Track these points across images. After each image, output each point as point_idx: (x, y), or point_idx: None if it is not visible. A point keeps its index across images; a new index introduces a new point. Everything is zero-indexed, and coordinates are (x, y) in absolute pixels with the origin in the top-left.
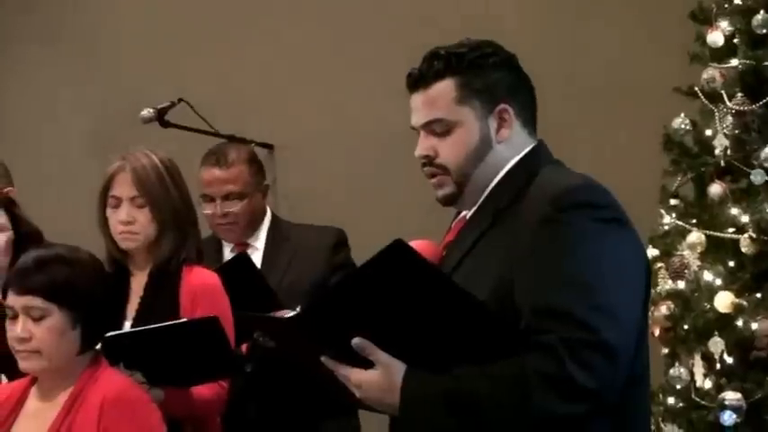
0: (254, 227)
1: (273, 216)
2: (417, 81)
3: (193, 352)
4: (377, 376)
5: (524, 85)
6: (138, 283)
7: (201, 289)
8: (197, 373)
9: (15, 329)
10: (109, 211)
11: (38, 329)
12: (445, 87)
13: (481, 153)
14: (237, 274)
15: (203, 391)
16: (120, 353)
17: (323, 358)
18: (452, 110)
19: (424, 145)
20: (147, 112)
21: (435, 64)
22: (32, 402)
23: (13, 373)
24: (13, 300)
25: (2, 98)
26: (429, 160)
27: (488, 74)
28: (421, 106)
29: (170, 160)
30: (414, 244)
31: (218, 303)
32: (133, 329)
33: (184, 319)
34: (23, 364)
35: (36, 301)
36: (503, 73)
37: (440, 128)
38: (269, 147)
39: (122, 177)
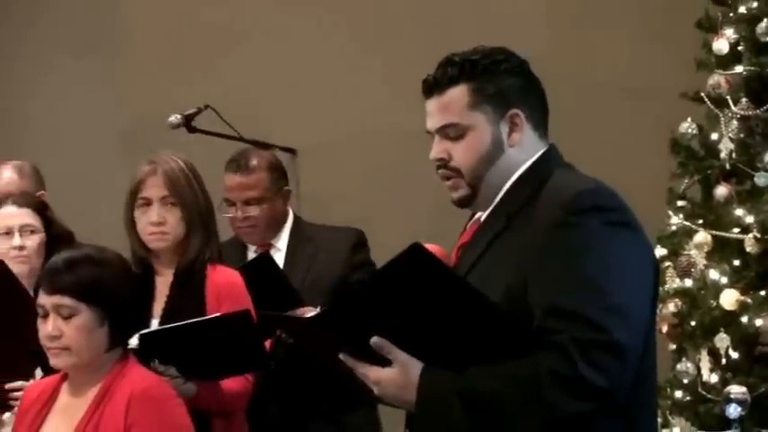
0: (275, 229)
1: (295, 218)
2: (432, 87)
3: (225, 346)
4: (394, 374)
5: (535, 90)
6: (164, 282)
7: (226, 287)
8: (228, 367)
9: (46, 327)
10: (137, 213)
11: (67, 327)
12: (459, 93)
13: (493, 156)
14: (260, 273)
15: (232, 384)
16: (153, 350)
17: (342, 356)
18: (466, 115)
19: (439, 148)
20: (174, 117)
21: (449, 70)
22: (64, 398)
23: (48, 367)
24: (44, 299)
25: (38, 104)
26: (443, 163)
27: (500, 80)
28: (435, 111)
29: (192, 164)
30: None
31: (243, 301)
32: (167, 326)
33: (217, 314)
34: (54, 361)
35: (65, 300)
36: (514, 79)
37: (453, 132)
38: (292, 151)
39: (153, 180)
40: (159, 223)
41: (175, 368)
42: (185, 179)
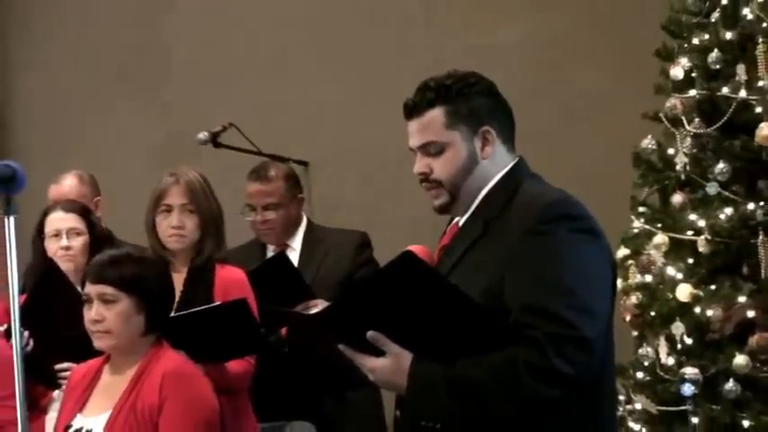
0: (290, 231)
1: (308, 221)
2: (412, 110)
3: (226, 331)
4: (388, 363)
5: (504, 109)
6: (179, 278)
7: (233, 282)
8: (230, 350)
9: (90, 313)
10: (159, 218)
11: (109, 313)
12: (436, 114)
13: (469, 168)
14: (277, 269)
15: (235, 366)
16: (166, 336)
17: (341, 347)
18: (443, 133)
19: (421, 164)
20: (202, 135)
21: (427, 94)
22: (106, 377)
23: (88, 356)
24: (89, 288)
25: (84, 125)
26: (425, 176)
27: (472, 101)
28: (416, 131)
29: (206, 177)
30: (412, 248)
31: (245, 294)
32: (176, 314)
33: (218, 303)
34: (97, 342)
35: (108, 289)
36: (484, 100)
37: (433, 149)
38: (305, 164)
39: (175, 189)
40: (179, 227)
41: (185, 352)
42: (202, 190)
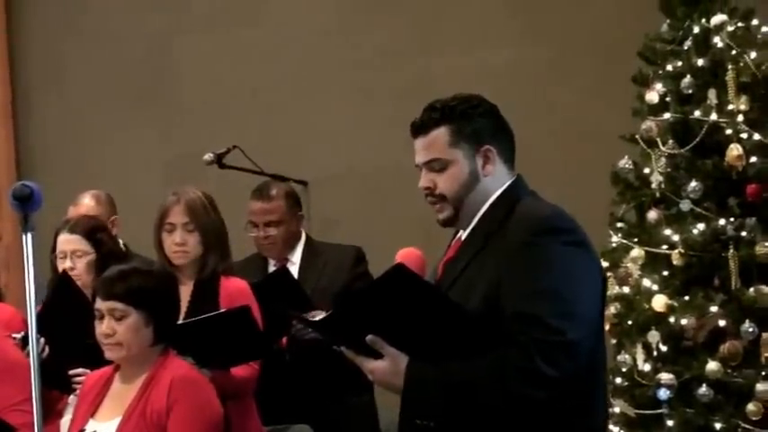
0: (291, 246)
1: (307, 237)
2: (419, 129)
3: (230, 338)
4: (385, 365)
5: (505, 129)
6: (186, 291)
7: (237, 293)
8: (235, 356)
9: (102, 327)
10: (164, 235)
11: (119, 327)
12: (441, 133)
13: (471, 184)
14: (279, 282)
15: (240, 371)
16: (174, 343)
17: (343, 350)
18: (447, 151)
19: (426, 179)
20: (208, 156)
21: (432, 114)
22: (116, 385)
23: (100, 362)
24: (100, 304)
25: (101, 145)
26: (430, 191)
27: (475, 121)
28: (422, 149)
29: (209, 195)
30: (404, 251)
31: (249, 301)
32: (183, 322)
33: (221, 311)
34: (108, 354)
35: (118, 305)
36: (487, 120)
37: (438, 165)
38: (304, 183)
39: (176, 208)
40: (181, 244)
41: (192, 359)
42: (203, 207)
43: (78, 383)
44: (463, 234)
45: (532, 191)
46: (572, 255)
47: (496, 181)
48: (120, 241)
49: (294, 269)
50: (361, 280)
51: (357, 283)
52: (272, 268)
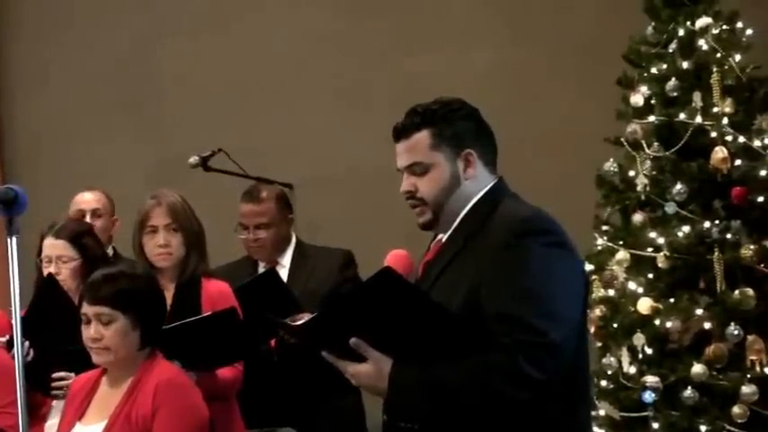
0: (281, 249)
1: (297, 240)
2: (400, 132)
3: (216, 339)
4: (369, 368)
5: (486, 133)
6: (168, 294)
7: (218, 294)
8: (220, 358)
9: (89, 332)
10: (145, 239)
11: (106, 331)
12: (422, 137)
13: (452, 188)
14: (268, 284)
15: (225, 372)
16: (162, 347)
17: (324, 354)
18: (428, 154)
19: (407, 183)
20: (193, 159)
21: (414, 118)
22: (103, 388)
23: (87, 365)
24: (87, 308)
25: (89, 150)
26: (411, 195)
27: (456, 125)
28: (403, 152)
29: (185, 198)
30: (394, 253)
31: (232, 303)
32: (169, 325)
33: (208, 313)
34: (96, 358)
35: (104, 310)
36: (468, 123)
37: (419, 169)
38: (289, 186)
39: (158, 210)
40: (165, 245)
41: (178, 362)
42: (183, 210)
43: (60, 387)
44: (443, 237)
45: (514, 193)
46: (553, 256)
47: (478, 184)
48: (113, 246)
49: (284, 272)
50: (350, 283)
51: (345, 286)
52: (261, 271)
